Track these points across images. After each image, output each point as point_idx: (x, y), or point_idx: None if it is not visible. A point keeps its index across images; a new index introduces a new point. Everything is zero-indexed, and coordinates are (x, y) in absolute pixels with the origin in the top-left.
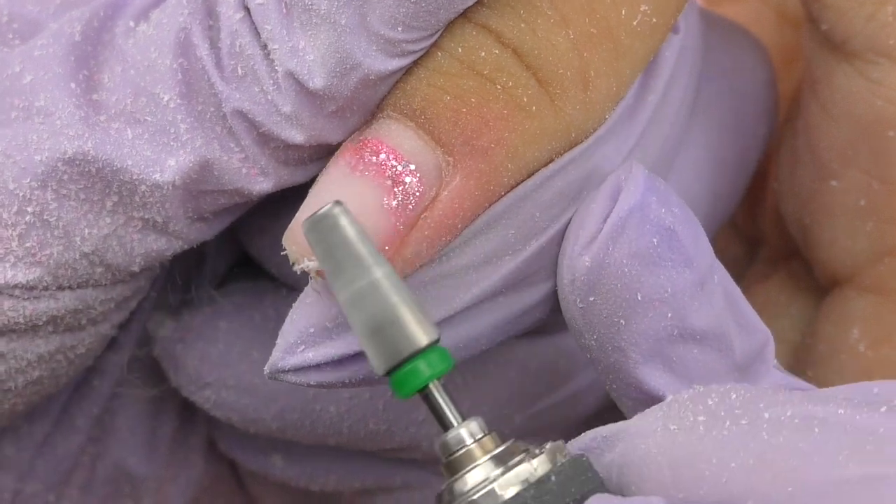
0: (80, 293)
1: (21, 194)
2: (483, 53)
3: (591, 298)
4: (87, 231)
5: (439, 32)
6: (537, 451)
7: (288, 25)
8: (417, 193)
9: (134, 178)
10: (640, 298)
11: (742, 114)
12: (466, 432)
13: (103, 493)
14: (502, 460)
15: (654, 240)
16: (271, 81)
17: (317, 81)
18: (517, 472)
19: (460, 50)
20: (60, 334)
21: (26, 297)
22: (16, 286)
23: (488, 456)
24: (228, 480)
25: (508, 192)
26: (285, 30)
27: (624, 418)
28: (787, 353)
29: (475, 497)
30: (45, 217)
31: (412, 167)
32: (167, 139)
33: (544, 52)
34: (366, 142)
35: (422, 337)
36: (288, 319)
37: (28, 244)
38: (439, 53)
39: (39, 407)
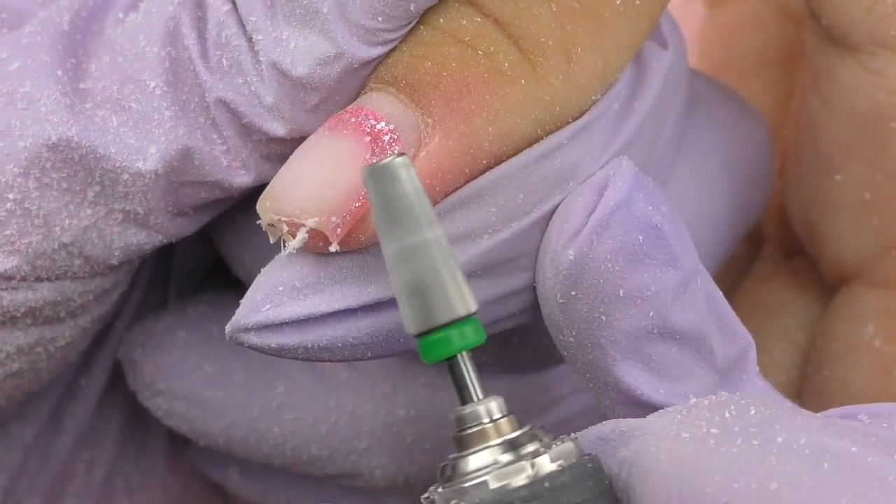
0: (59, 285)
1: (3, 181)
2: (465, 21)
3: (573, 293)
4: (67, 221)
5: (417, 18)
6: (549, 445)
7: (272, 17)
8: (396, 150)
9: (117, 165)
10: (621, 295)
11: (736, 172)
12: (484, 410)
13: (99, 499)
14: (512, 447)
15: (640, 237)
16: (255, 73)
17: (300, 70)
18: (517, 467)
19: (442, 21)
20: (39, 326)
21: (4, 287)
22: None
23: (501, 440)
24: (219, 489)
25: (491, 161)
26: (269, 21)
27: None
28: (793, 353)
29: (466, 485)
30: (25, 205)
31: (391, 126)
32: (151, 126)
33: (525, 21)
34: (346, 110)
35: (460, 307)
36: (256, 281)
37: (7, 232)
38: (422, 27)
39: (30, 408)
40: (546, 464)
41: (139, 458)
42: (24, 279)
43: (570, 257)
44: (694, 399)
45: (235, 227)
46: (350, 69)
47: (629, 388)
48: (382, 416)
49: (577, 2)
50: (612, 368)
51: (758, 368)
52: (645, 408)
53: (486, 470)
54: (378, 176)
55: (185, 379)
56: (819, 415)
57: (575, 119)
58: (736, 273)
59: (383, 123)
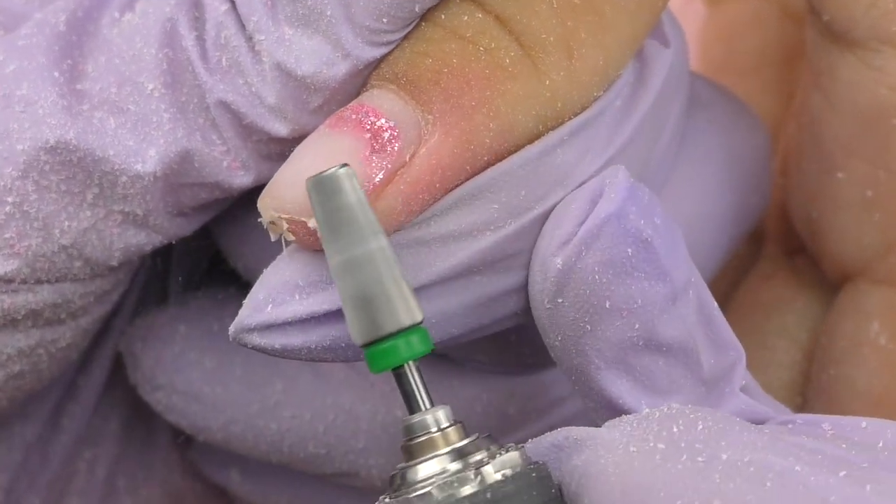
0: (59, 287)
1: (1, 184)
2: (465, 18)
3: (559, 300)
4: (66, 224)
5: (417, 18)
6: (493, 454)
7: (273, 17)
8: (396, 146)
9: (115, 168)
10: (608, 306)
11: (735, 175)
12: (432, 419)
13: (102, 497)
14: (460, 455)
15: (629, 250)
16: (256, 73)
17: (305, 70)
18: (462, 477)
19: (443, 17)
20: (40, 328)
21: (4, 290)
22: None
23: (448, 448)
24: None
25: (492, 157)
26: (271, 21)
27: None
28: (795, 351)
29: (411, 496)
30: (24, 208)
31: (391, 123)
32: (149, 129)
33: (526, 17)
34: (346, 107)
35: (405, 316)
36: (258, 280)
37: (7, 235)
38: (423, 23)
39: (31, 407)
40: (490, 473)
41: (141, 457)
42: (24, 282)
43: (558, 265)
44: (647, 410)
45: (234, 221)
46: (355, 70)
47: (611, 397)
48: (380, 416)
49: None
50: (595, 376)
51: (743, 382)
52: None
53: (432, 480)
54: (321, 187)
55: (184, 374)
56: (778, 423)
57: (577, 115)
58: (737, 272)
59: (383, 120)
